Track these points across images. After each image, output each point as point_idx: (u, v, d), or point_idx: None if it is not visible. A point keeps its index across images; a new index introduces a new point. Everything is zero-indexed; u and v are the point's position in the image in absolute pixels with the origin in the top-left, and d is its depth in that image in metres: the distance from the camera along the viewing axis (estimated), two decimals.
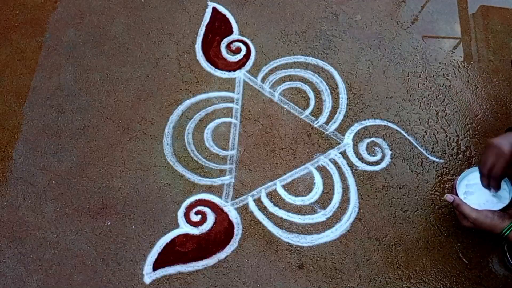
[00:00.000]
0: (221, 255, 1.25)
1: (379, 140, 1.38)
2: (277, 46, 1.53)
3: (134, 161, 1.36)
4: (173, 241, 1.26)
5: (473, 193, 1.17)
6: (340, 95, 1.45)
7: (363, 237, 1.27)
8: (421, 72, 1.49)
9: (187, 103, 1.44)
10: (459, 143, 1.38)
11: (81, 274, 1.22)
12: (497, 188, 1.15)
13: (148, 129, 1.40)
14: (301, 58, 1.51)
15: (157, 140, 1.39)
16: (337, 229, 1.28)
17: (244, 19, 1.58)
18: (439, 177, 1.33)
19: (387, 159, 1.36)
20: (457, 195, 1.16)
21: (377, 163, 1.36)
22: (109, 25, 1.57)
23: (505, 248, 1.22)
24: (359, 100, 1.44)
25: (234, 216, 1.29)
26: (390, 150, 1.37)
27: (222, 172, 1.35)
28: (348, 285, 1.21)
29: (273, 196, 1.32)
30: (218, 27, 1.56)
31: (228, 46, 1.53)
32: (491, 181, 1.14)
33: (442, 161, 1.35)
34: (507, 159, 1.08)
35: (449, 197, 1.14)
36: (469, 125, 1.40)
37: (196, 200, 1.31)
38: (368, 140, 1.39)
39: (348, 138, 1.39)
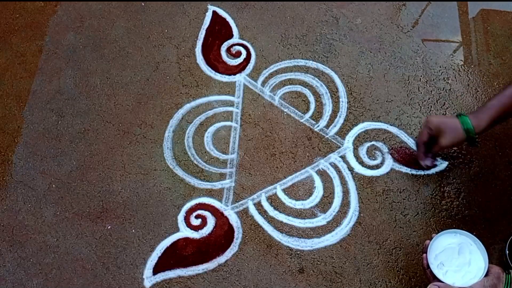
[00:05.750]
0: (221, 259, 1.24)
1: (379, 144, 1.38)
2: (277, 49, 1.53)
3: (134, 165, 1.36)
4: (173, 245, 1.26)
5: (444, 265, 1.08)
6: (341, 99, 1.45)
7: (363, 241, 1.27)
8: (421, 76, 1.49)
9: (187, 106, 1.44)
10: (459, 147, 1.37)
11: (81, 278, 1.22)
12: (420, 157, 1.31)
13: (148, 132, 1.40)
14: (301, 62, 1.51)
15: (157, 143, 1.39)
16: (337, 233, 1.28)
17: (244, 23, 1.58)
18: (440, 181, 1.33)
19: (387, 163, 1.36)
20: (433, 274, 1.06)
21: (377, 166, 1.36)
22: (109, 29, 1.57)
23: (505, 249, 1.21)
24: (359, 104, 1.44)
25: (234, 220, 1.29)
26: (390, 154, 1.37)
27: (222, 176, 1.35)
28: None
29: (273, 200, 1.31)
30: (218, 30, 1.57)
31: (228, 50, 1.53)
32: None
33: (443, 164, 1.35)
34: (428, 127, 1.22)
35: (433, 287, 1.04)
36: None
37: (196, 204, 1.31)
38: (368, 144, 1.38)
39: (348, 142, 1.39)
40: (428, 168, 1.34)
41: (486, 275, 1.03)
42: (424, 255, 1.07)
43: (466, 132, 1.17)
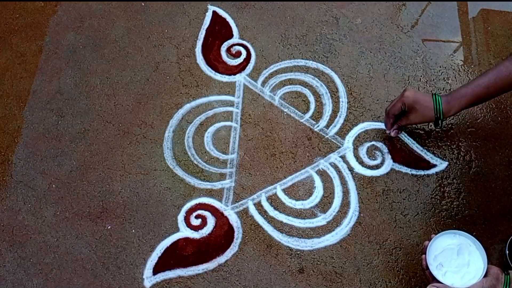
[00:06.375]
0: (221, 259, 1.24)
1: (379, 144, 1.38)
2: (277, 49, 1.53)
3: (134, 165, 1.36)
4: (173, 245, 1.26)
5: (443, 266, 1.07)
6: (341, 99, 1.45)
7: (363, 241, 1.27)
8: (421, 76, 1.49)
9: (187, 106, 1.44)
10: (459, 147, 1.38)
11: (81, 278, 1.22)
12: (386, 126, 1.35)
13: (148, 132, 1.40)
14: (301, 62, 1.51)
15: (157, 144, 1.39)
16: (337, 233, 1.28)
17: (244, 23, 1.58)
18: (440, 181, 1.33)
19: (387, 163, 1.36)
20: (432, 275, 1.06)
21: (377, 167, 1.36)
22: (109, 29, 1.57)
23: (505, 249, 1.21)
24: (359, 104, 1.44)
25: (234, 220, 1.29)
26: (390, 154, 1.37)
27: (222, 176, 1.35)
28: None
29: (273, 200, 1.31)
30: (218, 30, 1.57)
31: (228, 50, 1.53)
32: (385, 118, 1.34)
33: (443, 164, 1.35)
34: (402, 100, 1.25)
35: None
36: (469, 129, 1.40)
37: (196, 204, 1.31)
38: (368, 144, 1.38)
39: (348, 142, 1.39)
40: (390, 137, 1.38)
41: (485, 276, 1.03)
42: (423, 256, 1.08)
43: (436, 112, 1.23)
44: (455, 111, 1.23)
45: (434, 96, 1.23)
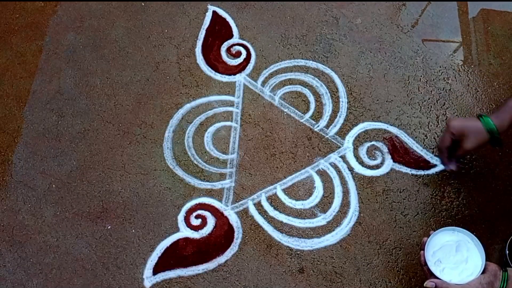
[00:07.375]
0: (221, 259, 1.24)
1: (379, 144, 1.38)
2: (277, 49, 1.53)
3: (134, 165, 1.36)
4: (173, 245, 1.26)
5: (441, 262, 1.08)
6: (341, 99, 1.45)
7: (363, 241, 1.27)
8: (421, 76, 1.49)
9: (187, 106, 1.44)
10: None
11: (81, 278, 1.22)
12: (444, 162, 1.31)
13: (148, 132, 1.40)
14: (301, 62, 1.51)
15: (157, 144, 1.39)
16: (337, 233, 1.28)
17: (244, 23, 1.58)
18: (440, 181, 1.33)
19: (387, 163, 1.36)
20: (430, 271, 1.06)
21: (377, 167, 1.36)
22: (109, 29, 1.57)
23: (505, 249, 1.21)
24: (359, 104, 1.44)
25: (234, 220, 1.29)
26: (390, 154, 1.37)
27: (222, 176, 1.35)
28: None
29: (273, 200, 1.31)
30: (218, 30, 1.56)
31: (228, 50, 1.53)
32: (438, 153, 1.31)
33: (442, 165, 1.35)
34: (450, 131, 1.20)
35: (430, 283, 1.05)
36: None
37: (196, 204, 1.31)
38: (368, 144, 1.38)
39: (348, 142, 1.38)
40: (454, 172, 1.32)
41: (483, 272, 1.03)
42: (422, 252, 1.08)
43: (490, 133, 1.16)
44: (508, 123, 1.15)
45: (480, 117, 1.17)
